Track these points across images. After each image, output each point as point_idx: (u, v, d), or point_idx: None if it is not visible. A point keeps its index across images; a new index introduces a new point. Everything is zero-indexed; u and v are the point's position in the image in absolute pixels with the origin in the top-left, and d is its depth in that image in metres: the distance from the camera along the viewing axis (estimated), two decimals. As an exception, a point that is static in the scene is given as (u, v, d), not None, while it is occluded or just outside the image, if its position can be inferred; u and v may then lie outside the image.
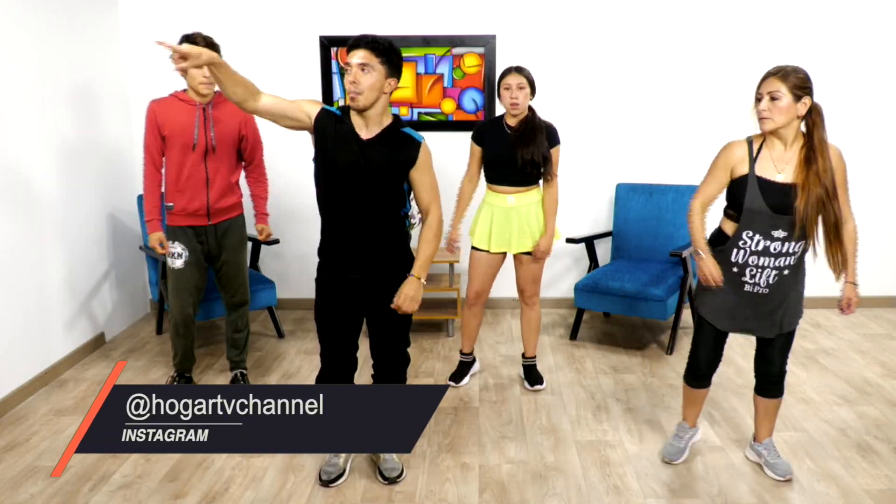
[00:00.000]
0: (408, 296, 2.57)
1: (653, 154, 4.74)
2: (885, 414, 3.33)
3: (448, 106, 4.66)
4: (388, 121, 2.51)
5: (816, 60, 4.59)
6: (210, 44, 3.15)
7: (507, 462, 2.94)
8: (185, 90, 3.28)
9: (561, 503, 2.66)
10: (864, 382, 3.68)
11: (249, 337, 3.67)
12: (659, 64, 4.61)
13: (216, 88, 3.27)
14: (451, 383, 3.66)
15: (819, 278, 4.83)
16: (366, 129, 2.48)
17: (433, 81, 4.63)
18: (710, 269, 2.60)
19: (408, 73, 4.62)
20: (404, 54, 4.58)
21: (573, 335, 4.35)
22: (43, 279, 3.71)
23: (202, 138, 3.23)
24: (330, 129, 2.46)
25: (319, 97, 4.66)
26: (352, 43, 2.40)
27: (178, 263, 3.33)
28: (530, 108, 3.37)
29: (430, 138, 4.65)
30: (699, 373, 2.81)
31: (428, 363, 4.00)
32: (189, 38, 3.13)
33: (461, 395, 3.57)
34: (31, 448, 3.06)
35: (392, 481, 2.77)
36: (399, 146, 2.50)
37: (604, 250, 4.82)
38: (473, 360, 3.75)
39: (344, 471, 2.80)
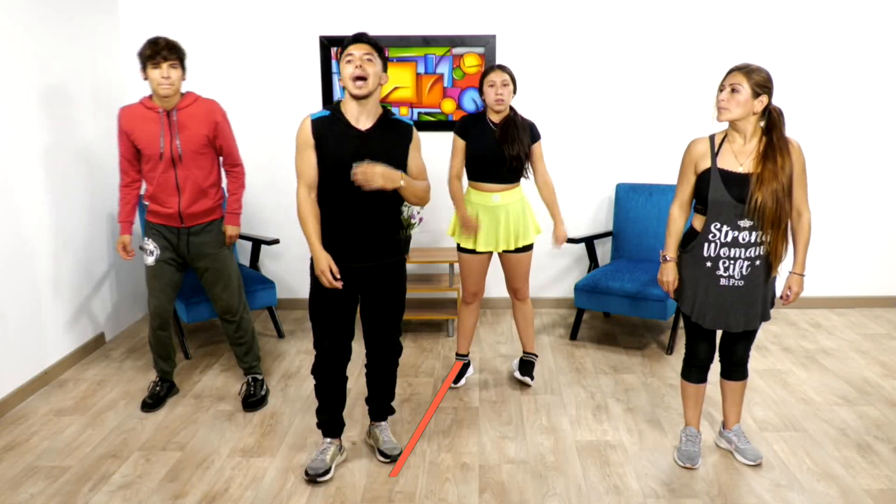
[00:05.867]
0: (375, 171, 2.49)
1: (653, 154, 4.74)
2: (885, 414, 3.33)
3: (448, 106, 4.66)
4: (380, 111, 2.65)
5: (818, 62, 4.60)
6: (172, 46, 3.06)
7: (507, 462, 2.94)
8: (150, 96, 3.15)
9: (561, 503, 2.66)
10: (864, 382, 3.68)
11: (254, 344, 3.54)
12: (659, 64, 4.61)
13: (183, 90, 3.18)
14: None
15: (818, 278, 4.86)
16: (363, 121, 2.60)
17: (433, 81, 4.63)
18: (668, 275, 2.79)
19: (408, 73, 4.62)
20: (404, 54, 4.62)
21: (573, 335, 4.35)
22: (43, 279, 3.71)
23: (168, 148, 3.12)
24: (326, 131, 2.58)
25: (319, 96, 4.66)
26: (353, 39, 2.57)
27: (149, 260, 3.27)
28: (511, 107, 3.39)
29: (430, 138, 4.68)
30: (698, 366, 2.88)
31: (428, 363, 4.00)
32: (150, 41, 3.04)
33: (461, 395, 3.57)
34: (31, 448, 3.06)
35: (394, 459, 2.91)
36: (395, 130, 2.66)
37: (604, 250, 4.83)
38: (469, 363, 3.75)
39: (330, 468, 2.82)
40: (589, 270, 4.54)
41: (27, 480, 2.81)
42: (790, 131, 4.63)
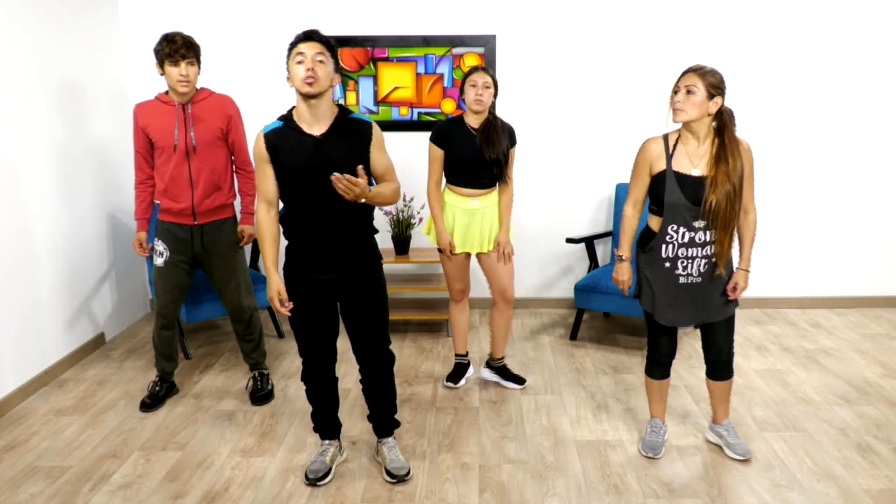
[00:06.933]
0: (351, 180, 2.33)
1: (653, 154, 4.73)
2: (885, 414, 3.33)
3: (448, 106, 4.66)
4: (334, 112, 2.52)
5: (820, 64, 4.60)
6: (190, 43, 3.09)
7: (507, 462, 2.94)
8: (166, 91, 3.22)
9: (561, 503, 2.66)
10: (864, 382, 3.68)
11: (261, 341, 3.59)
12: (658, 64, 4.61)
13: (198, 86, 3.25)
14: (449, 384, 3.66)
15: (818, 279, 4.87)
16: (317, 126, 2.48)
17: (433, 81, 4.63)
18: (623, 274, 2.89)
19: (408, 73, 4.62)
20: (404, 54, 4.62)
21: (573, 335, 4.35)
22: (43, 279, 3.71)
23: (182, 139, 3.18)
24: (279, 142, 2.48)
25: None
26: (303, 37, 2.44)
27: (158, 262, 3.33)
28: (490, 111, 3.36)
29: (429, 139, 4.67)
30: (660, 364, 2.93)
31: (428, 363, 4.00)
32: (168, 38, 3.07)
33: (461, 395, 3.57)
34: (31, 448, 3.06)
35: (401, 480, 2.77)
36: (352, 132, 2.51)
37: (604, 250, 4.83)
38: (469, 363, 3.75)
39: (330, 469, 2.81)
40: (589, 270, 4.53)
41: (27, 480, 2.81)
42: (790, 134, 4.65)
